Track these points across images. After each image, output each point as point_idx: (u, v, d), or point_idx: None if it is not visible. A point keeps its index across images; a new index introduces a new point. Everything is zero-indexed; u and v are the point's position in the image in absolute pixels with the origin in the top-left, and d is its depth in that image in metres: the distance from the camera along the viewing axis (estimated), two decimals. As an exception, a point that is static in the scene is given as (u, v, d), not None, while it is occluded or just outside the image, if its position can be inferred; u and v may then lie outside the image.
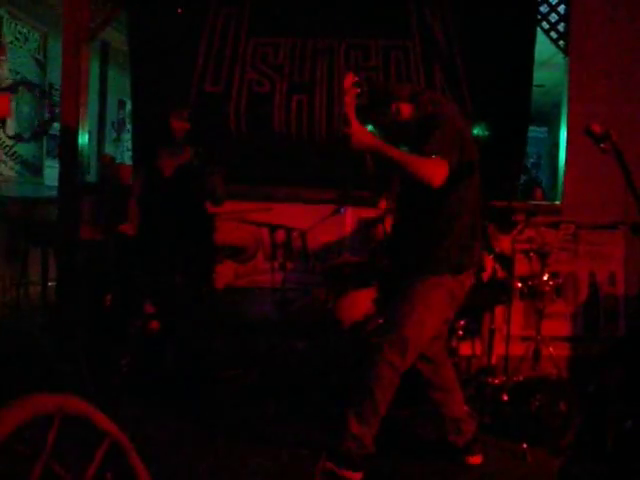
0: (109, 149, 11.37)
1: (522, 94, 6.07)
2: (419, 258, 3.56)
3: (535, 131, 11.89)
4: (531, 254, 4.86)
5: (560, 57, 6.24)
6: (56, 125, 8.68)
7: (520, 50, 6.03)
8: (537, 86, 7.18)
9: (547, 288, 4.73)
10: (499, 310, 4.94)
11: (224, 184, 4.97)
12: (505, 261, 4.77)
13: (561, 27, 6.12)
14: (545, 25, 6.11)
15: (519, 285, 4.80)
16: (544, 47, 6.28)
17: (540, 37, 6.11)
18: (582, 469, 3.53)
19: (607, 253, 5.67)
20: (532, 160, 13.53)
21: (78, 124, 6.09)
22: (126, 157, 11.64)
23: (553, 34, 6.13)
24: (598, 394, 4.35)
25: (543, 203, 6.10)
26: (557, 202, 5.94)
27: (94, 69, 8.52)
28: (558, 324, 5.66)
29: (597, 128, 3.43)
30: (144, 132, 6.20)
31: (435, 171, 3.27)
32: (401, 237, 3.74)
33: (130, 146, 9.33)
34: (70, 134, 6.08)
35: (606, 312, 5.76)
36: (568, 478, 3.28)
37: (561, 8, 6.12)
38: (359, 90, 3.31)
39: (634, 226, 3.36)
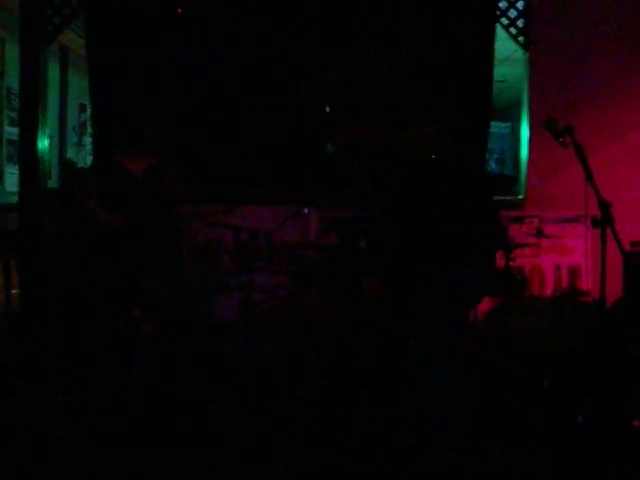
0: (71, 154, 11.22)
1: (483, 90, 6.10)
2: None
3: (498, 127, 11.93)
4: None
5: (520, 53, 6.29)
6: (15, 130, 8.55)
7: (480, 46, 6.06)
8: (499, 82, 7.23)
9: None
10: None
11: (181, 185, 4.92)
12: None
13: (520, 23, 6.16)
14: (504, 21, 6.15)
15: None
16: (505, 43, 6.32)
17: (500, 33, 6.15)
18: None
19: (571, 246, 5.71)
20: (496, 156, 13.58)
21: (37, 129, 6.01)
22: (88, 161, 11.51)
23: (512, 30, 6.17)
24: (554, 389, 4.40)
25: (507, 198, 6.12)
26: (520, 196, 5.98)
27: (54, 73, 8.40)
28: (525, 318, 5.69)
29: (557, 123, 3.47)
30: (104, 135, 6.12)
31: None
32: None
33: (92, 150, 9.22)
34: (29, 139, 6.00)
35: (571, 305, 5.80)
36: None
37: (520, 4, 6.17)
38: None
39: (594, 219, 3.38)
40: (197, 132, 6.01)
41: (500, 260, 4.77)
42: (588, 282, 5.71)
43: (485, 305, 5.48)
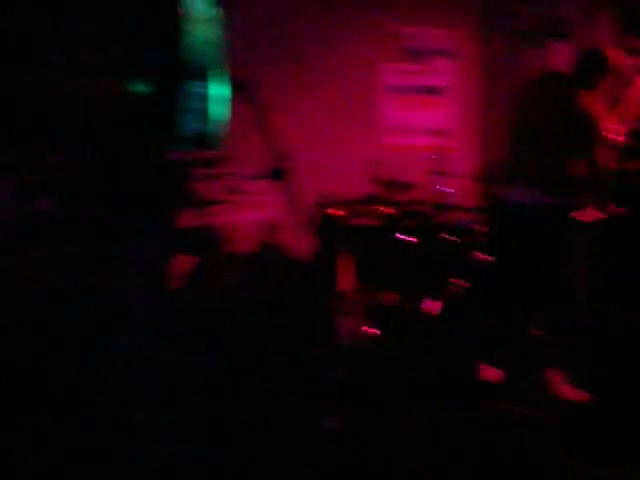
0: None
1: (175, 48, 6.00)
2: None
3: (200, 86, 11.93)
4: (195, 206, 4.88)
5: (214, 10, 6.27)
6: None
7: (168, 3, 5.94)
8: (203, 42, 7.18)
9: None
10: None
11: None
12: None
13: (214, -21, 6.15)
14: (197, -23, 6.10)
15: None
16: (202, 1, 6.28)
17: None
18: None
19: (268, 202, 5.84)
20: (198, 115, 13.63)
21: None
22: None
23: (206, -14, 6.14)
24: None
25: (206, 154, 6.11)
26: (217, 153, 6.00)
27: None
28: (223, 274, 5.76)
29: (242, 80, 3.50)
30: None
31: None
32: None
33: None
34: None
35: (271, 259, 5.96)
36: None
37: (212, -40, 6.14)
38: None
39: (275, 172, 3.48)
40: None
41: (196, 218, 4.77)
42: (286, 236, 5.89)
43: (187, 262, 5.47)
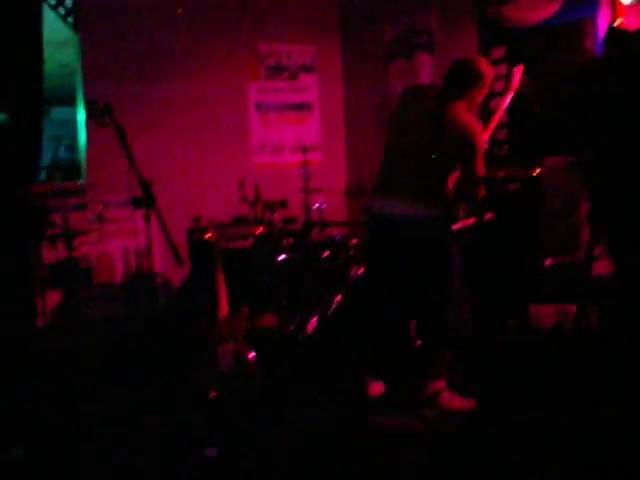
0: None
1: (35, 74, 5.76)
2: None
3: (65, 112, 11.55)
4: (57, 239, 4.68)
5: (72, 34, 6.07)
6: None
7: (27, 27, 5.70)
8: (62, 66, 6.95)
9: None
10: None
11: None
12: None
13: (69, 2, 5.93)
14: (52, 1, 5.87)
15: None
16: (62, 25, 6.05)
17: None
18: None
19: (137, 229, 5.66)
20: (66, 142, 13.16)
21: None
22: None
23: (61, 10, 5.92)
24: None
25: (67, 184, 5.90)
26: (82, 182, 5.80)
27: None
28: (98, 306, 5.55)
29: (97, 103, 3.36)
30: None
31: None
32: None
33: None
34: None
35: (144, 288, 5.79)
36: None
37: (68, -17, 5.93)
38: None
39: (136, 199, 3.35)
40: None
41: (61, 251, 4.57)
42: (157, 263, 5.74)
43: (54, 298, 5.24)
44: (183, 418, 4.06)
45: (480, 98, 4.21)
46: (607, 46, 4.05)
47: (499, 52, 5.46)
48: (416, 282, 4.17)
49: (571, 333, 4.20)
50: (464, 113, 4.01)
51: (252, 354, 4.53)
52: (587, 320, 4.00)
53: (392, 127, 4.33)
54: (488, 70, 4.18)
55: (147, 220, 3.30)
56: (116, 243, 5.71)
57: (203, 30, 6.35)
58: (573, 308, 4.25)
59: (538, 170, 4.54)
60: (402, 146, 4.17)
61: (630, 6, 4.13)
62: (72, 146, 13.88)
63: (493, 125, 4.60)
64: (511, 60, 5.30)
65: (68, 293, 4.90)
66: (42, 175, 7.99)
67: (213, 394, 4.32)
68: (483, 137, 4.12)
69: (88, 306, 5.33)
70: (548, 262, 4.53)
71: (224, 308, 4.68)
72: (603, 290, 4.12)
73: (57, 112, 9.61)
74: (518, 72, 4.60)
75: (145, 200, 3.28)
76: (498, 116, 4.60)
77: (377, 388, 4.40)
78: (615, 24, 4.44)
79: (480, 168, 4.00)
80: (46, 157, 8.65)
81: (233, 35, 6.52)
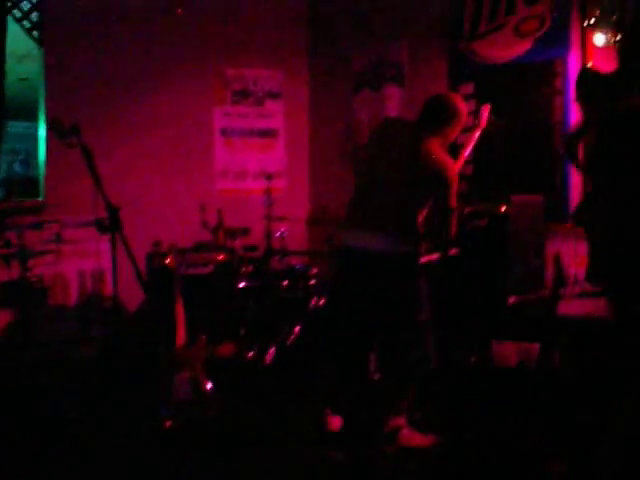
0: None
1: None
2: None
3: (23, 127, 11.36)
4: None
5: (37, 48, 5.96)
6: None
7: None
8: (22, 79, 6.82)
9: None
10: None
11: None
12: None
13: (35, 17, 5.83)
14: (17, 14, 5.77)
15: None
16: (24, 38, 5.93)
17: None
18: None
19: (94, 250, 5.54)
20: (21, 157, 12.94)
21: None
22: None
23: (26, 23, 5.82)
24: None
25: (25, 201, 5.76)
26: (40, 199, 5.66)
27: None
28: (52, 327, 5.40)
29: (62, 123, 3.27)
30: None
31: None
32: None
33: None
34: None
35: (99, 311, 5.66)
36: None
37: (33, -4, 5.83)
38: None
39: (100, 224, 3.27)
40: None
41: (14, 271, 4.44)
42: (113, 286, 5.60)
43: (5, 317, 5.09)
44: (136, 448, 3.96)
45: (454, 135, 4.22)
46: (579, 87, 4.07)
47: (468, 88, 5.47)
48: (383, 316, 4.13)
49: (534, 372, 4.18)
50: (439, 150, 4.01)
51: (209, 384, 4.44)
52: (550, 360, 3.98)
53: (366, 158, 4.31)
54: (463, 107, 4.19)
55: (113, 245, 3.20)
56: (73, 264, 5.57)
57: (170, 52, 6.28)
58: (535, 347, 4.26)
59: (505, 207, 4.54)
60: (375, 179, 4.15)
61: (602, 48, 4.16)
62: (27, 161, 13.67)
63: (461, 161, 4.62)
64: (480, 97, 5.33)
65: (20, 313, 4.75)
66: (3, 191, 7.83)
67: (168, 424, 4.24)
68: (456, 173, 4.12)
69: (40, 327, 5.18)
70: (512, 300, 4.52)
71: (182, 335, 4.59)
72: (568, 330, 4.13)
73: (14, 126, 9.43)
74: (486, 110, 4.65)
75: (111, 226, 3.18)
76: (466, 152, 4.62)
77: (335, 422, 4.33)
78: (588, 65, 4.48)
79: (454, 203, 4.01)
80: (1, 171, 8.46)
81: (200, 58, 6.46)
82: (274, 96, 6.90)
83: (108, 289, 5.58)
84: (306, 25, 7.03)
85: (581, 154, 3.46)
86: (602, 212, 3.49)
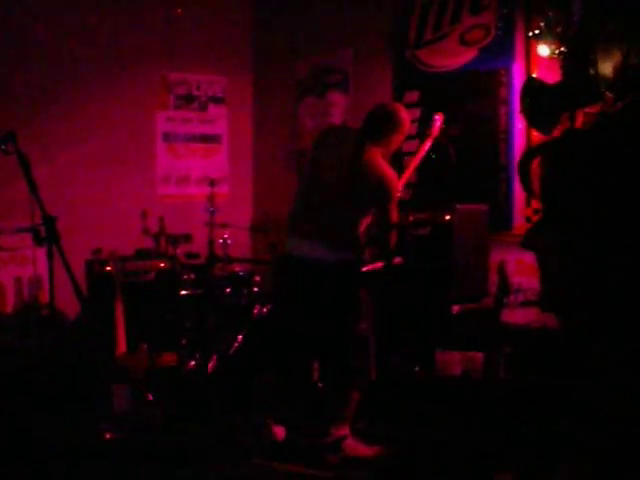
0: None
1: None
2: None
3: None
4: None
5: None
6: None
7: None
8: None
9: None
10: None
11: None
12: None
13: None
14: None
15: None
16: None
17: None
18: None
19: (31, 257, 5.39)
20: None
21: None
22: None
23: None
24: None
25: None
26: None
27: None
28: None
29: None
30: None
31: None
32: None
33: None
34: None
35: (36, 319, 5.50)
36: None
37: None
38: None
39: (36, 235, 3.15)
40: None
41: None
42: (52, 294, 5.46)
43: None
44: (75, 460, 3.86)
45: (396, 145, 4.22)
46: (524, 97, 4.11)
47: (413, 96, 5.48)
48: (323, 325, 4.10)
49: (478, 381, 4.19)
50: (380, 160, 4.00)
51: (149, 394, 4.36)
52: (495, 369, 3.99)
53: (308, 165, 4.27)
54: (407, 117, 4.19)
55: (50, 254, 3.10)
56: (8, 271, 5.42)
57: (112, 55, 6.15)
58: (479, 356, 4.27)
59: (449, 216, 4.54)
60: (316, 186, 4.11)
61: (547, 59, 4.19)
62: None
63: (410, 171, 4.61)
64: (425, 105, 5.35)
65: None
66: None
67: (108, 435, 4.15)
68: (398, 185, 4.11)
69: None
70: (456, 309, 4.53)
71: (122, 344, 4.51)
72: (511, 338, 4.16)
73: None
74: (439, 119, 4.63)
75: (47, 237, 3.08)
76: (415, 163, 4.61)
77: (279, 432, 4.29)
78: (534, 75, 4.52)
79: (394, 216, 4.00)
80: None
81: (143, 62, 6.35)
82: (218, 101, 6.82)
83: (46, 297, 5.43)
84: (250, 30, 6.97)
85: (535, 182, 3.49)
86: (554, 242, 3.52)
